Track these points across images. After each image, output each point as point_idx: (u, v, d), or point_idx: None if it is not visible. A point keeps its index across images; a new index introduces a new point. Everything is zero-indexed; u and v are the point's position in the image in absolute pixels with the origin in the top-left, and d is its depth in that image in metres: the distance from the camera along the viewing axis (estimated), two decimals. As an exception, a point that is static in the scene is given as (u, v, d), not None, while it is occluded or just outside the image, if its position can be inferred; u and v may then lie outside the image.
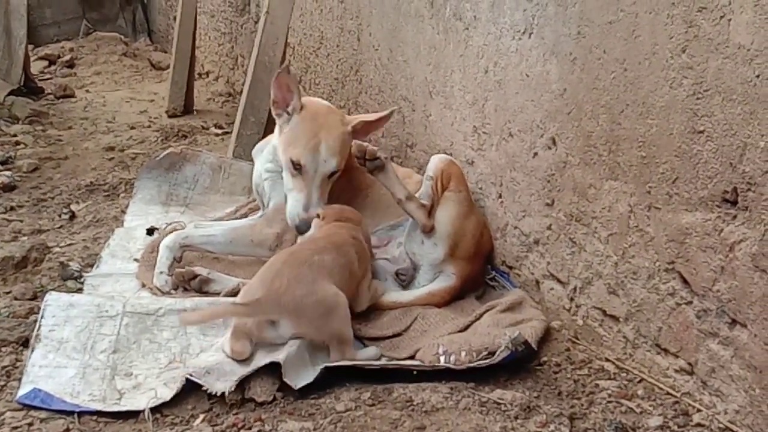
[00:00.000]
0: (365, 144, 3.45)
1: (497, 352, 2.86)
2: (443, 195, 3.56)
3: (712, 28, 2.42)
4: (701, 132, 2.49)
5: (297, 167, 3.55)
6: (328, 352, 2.92)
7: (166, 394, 2.68)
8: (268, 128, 4.71)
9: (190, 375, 2.71)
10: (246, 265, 3.65)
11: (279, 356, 2.76)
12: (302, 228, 3.51)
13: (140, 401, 2.67)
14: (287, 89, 3.66)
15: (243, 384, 2.72)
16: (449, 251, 3.48)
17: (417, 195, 3.51)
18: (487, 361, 2.86)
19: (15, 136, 5.94)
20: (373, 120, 3.74)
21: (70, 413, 2.61)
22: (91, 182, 4.88)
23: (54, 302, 3.07)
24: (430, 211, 3.51)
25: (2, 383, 2.78)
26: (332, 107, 3.91)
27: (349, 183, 3.70)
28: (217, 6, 7.57)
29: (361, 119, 3.73)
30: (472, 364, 2.86)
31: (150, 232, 3.98)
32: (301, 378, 2.76)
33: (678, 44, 2.55)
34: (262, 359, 2.80)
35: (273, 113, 3.73)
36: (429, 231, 3.48)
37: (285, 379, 2.70)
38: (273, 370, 2.75)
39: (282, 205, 3.68)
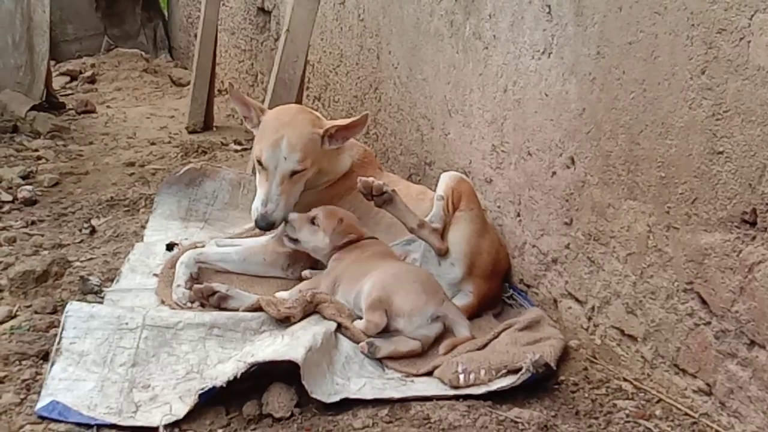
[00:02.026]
0: (371, 179, 3.46)
1: (519, 375, 2.86)
2: (455, 215, 3.57)
3: (732, 49, 2.42)
4: (720, 153, 2.50)
5: (260, 163, 3.63)
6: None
7: (181, 410, 2.70)
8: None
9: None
10: (264, 281, 3.67)
11: (299, 352, 2.78)
12: (261, 224, 3.59)
13: (155, 416, 2.69)
14: (243, 102, 3.82)
15: (260, 399, 2.75)
16: (467, 270, 3.49)
17: (429, 216, 3.53)
18: (509, 383, 2.86)
19: (36, 151, 5.99)
20: (346, 125, 3.74)
21: (90, 427, 2.63)
22: (112, 197, 4.90)
23: (75, 313, 3.09)
24: (443, 233, 3.52)
25: (22, 396, 2.80)
26: (306, 109, 3.98)
27: (360, 201, 3.70)
28: (238, 23, 7.62)
29: (335, 124, 3.74)
30: (492, 387, 2.87)
31: (170, 247, 3.99)
32: (318, 386, 2.78)
33: (697, 65, 2.56)
34: (282, 348, 2.87)
35: (250, 128, 3.86)
36: (444, 254, 3.50)
37: (303, 382, 2.72)
38: (290, 382, 2.77)
39: None
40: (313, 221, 3.55)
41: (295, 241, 3.59)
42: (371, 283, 3.19)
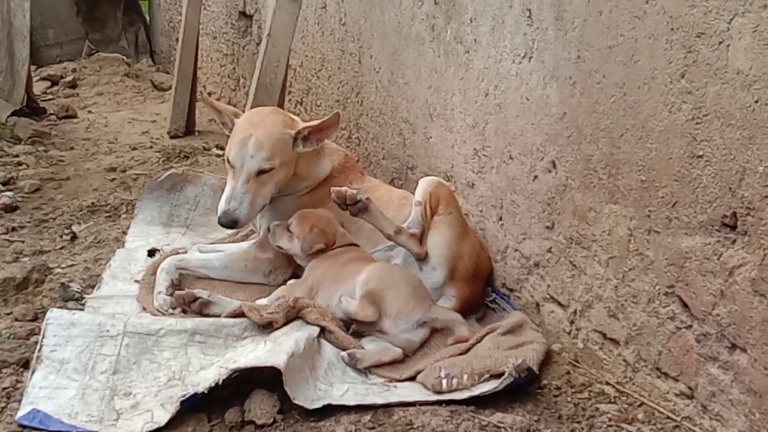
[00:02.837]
0: (344, 189, 3.45)
1: (501, 379, 2.86)
2: (434, 219, 3.56)
3: (711, 53, 2.43)
4: (700, 156, 2.51)
5: (229, 162, 3.63)
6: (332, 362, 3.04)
7: (163, 417, 2.69)
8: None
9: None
10: (246, 287, 3.66)
11: (281, 358, 2.78)
12: (223, 221, 3.58)
13: (136, 424, 2.67)
14: (215, 108, 3.88)
15: (243, 406, 2.74)
16: (448, 274, 3.49)
17: (407, 222, 3.53)
18: (491, 388, 2.86)
19: (17, 156, 5.95)
20: (318, 125, 3.71)
21: (70, 435, 2.62)
22: (93, 203, 4.88)
23: (55, 320, 3.07)
24: (421, 238, 3.52)
25: (2, 405, 2.78)
26: (280, 111, 3.97)
27: None
28: (219, 28, 7.60)
29: (308, 125, 3.72)
30: (475, 392, 2.87)
31: (151, 253, 3.98)
32: (301, 392, 2.77)
33: (677, 69, 2.56)
34: (264, 354, 2.87)
35: (227, 133, 3.83)
36: (423, 259, 3.49)
37: (285, 388, 2.71)
38: (272, 389, 2.76)
39: None
40: (288, 228, 3.56)
41: (279, 247, 3.59)
42: (368, 273, 3.20)
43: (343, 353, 3.05)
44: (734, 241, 2.44)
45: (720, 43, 2.40)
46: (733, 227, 2.43)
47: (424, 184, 3.65)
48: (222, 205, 3.57)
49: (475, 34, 3.73)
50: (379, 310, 3.11)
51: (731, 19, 2.36)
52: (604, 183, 2.95)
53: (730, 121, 2.39)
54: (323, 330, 3.16)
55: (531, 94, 3.34)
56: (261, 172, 3.59)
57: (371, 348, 3.10)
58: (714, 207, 2.48)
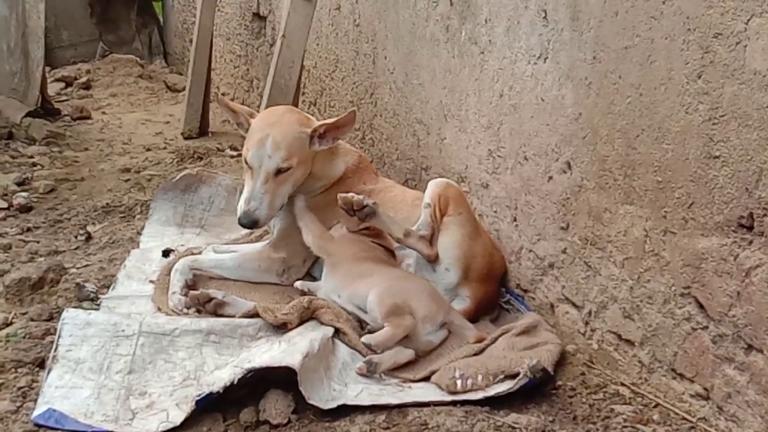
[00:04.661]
0: (350, 195, 3.45)
1: (516, 380, 2.85)
2: (443, 220, 3.56)
3: (728, 54, 2.43)
4: (717, 157, 2.50)
5: (247, 163, 3.64)
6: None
7: (178, 417, 2.69)
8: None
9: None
10: (261, 287, 3.66)
11: (296, 358, 2.79)
12: (243, 221, 3.59)
13: (152, 424, 2.68)
14: (230, 109, 3.88)
15: (258, 406, 2.75)
16: (462, 275, 3.48)
17: (417, 224, 3.53)
18: (506, 388, 2.86)
19: (32, 157, 5.98)
20: (334, 123, 3.71)
21: (86, 434, 2.62)
22: (108, 203, 4.90)
23: (71, 320, 3.08)
24: (431, 240, 3.51)
25: (18, 404, 2.79)
26: (295, 110, 3.99)
27: None
28: (233, 29, 7.62)
29: (323, 123, 3.72)
30: (490, 393, 2.86)
31: (166, 253, 3.98)
32: (315, 392, 2.78)
33: (694, 70, 2.56)
34: (279, 355, 2.88)
35: (243, 133, 3.84)
36: (434, 260, 3.49)
37: (300, 388, 2.71)
38: (287, 389, 2.76)
39: (288, 230, 3.71)
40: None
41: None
42: (378, 291, 3.16)
43: (360, 365, 3.02)
44: (751, 242, 2.43)
45: (737, 43, 2.40)
46: (750, 228, 2.43)
47: (433, 186, 3.65)
48: (242, 206, 3.58)
49: (490, 35, 3.73)
50: (414, 317, 3.10)
51: (748, 20, 2.36)
52: (619, 184, 2.94)
53: (747, 121, 2.39)
54: (337, 331, 3.16)
55: (546, 95, 3.33)
56: (279, 172, 3.59)
57: (386, 352, 3.09)
58: (731, 208, 2.48)
